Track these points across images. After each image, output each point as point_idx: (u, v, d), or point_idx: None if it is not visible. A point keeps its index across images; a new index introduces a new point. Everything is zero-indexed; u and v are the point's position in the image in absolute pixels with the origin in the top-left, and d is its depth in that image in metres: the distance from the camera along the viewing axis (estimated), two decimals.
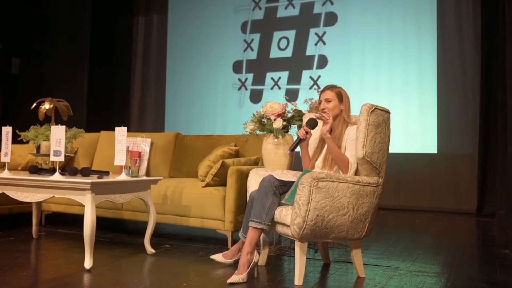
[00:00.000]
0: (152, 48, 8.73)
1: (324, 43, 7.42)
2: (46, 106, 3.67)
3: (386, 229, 5.05)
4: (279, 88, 7.63)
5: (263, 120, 3.78)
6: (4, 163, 3.42)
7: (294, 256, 2.87)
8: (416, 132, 6.83)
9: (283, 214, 2.83)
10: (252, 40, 7.92)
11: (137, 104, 8.76)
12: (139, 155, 4.17)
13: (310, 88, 7.40)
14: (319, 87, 6.75)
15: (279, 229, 2.92)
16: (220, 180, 3.87)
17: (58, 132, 3.14)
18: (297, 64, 7.56)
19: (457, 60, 6.69)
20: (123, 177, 3.30)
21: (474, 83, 6.54)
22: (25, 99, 6.81)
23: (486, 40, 6.33)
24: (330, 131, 3.08)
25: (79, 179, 3.08)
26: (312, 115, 3.23)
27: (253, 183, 3.19)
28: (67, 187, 3.08)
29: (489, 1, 6.30)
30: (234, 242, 3.46)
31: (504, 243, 4.39)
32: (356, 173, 2.99)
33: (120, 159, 3.25)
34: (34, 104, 3.75)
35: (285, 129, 3.71)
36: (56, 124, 3.23)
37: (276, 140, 3.69)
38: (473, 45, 6.58)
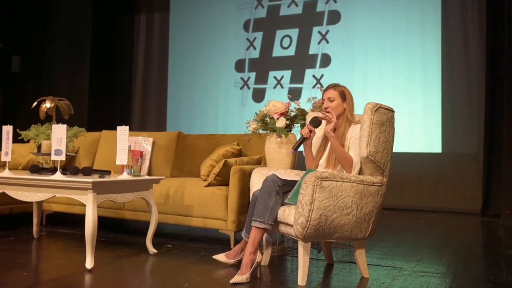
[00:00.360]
0: (153, 46, 8.72)
1: (327, 42, 7.39)
2: (47, 105, 3.64)
3: (390, 229, 5.01)
4: (282, 87, 7.60)
5: (266, 119, 3.75)
6: (5, 162, 3.40)
7: (297, 256, 2.84)
8: (420, 132, 6.80)
9: (286, 213, 2.80)
10: (255, 38, 7.89)
11: (139, 103, 8.74)
12: (141, 154, 4.13)
13: (313, 87, 7.37)
14: (322, 86, 6.72)
15: (282, 229, 2.89)
16: (222, 179, 3.84)
17: (59, 131, 3.12)
18: (300, 63, 7.53)
19: (462, 59, 6.65)
20: (124, 176, 3.28)
21: (479, 82, 6.49)
22: (25, 98, 6.82)
23: (491, 38, 6.30)
24: (334, 130, 3.05)
25: (80, 178, 3.06)
26: (316, 114, 3.20)
27: (256, 183, 3.17)
28: (68, 186, 3.05)
29: (494, 0, 6.25)
30: (236, 242, 3.44)
31: (509, 243, 4.36)
32: (360, 172, 2.96)
33: (121, 158, 3.22)
34: (35, 103, 3.73)
35: (288, 128, 3.68)
36: (57, 123, 3.20)
37: (279, 139, 3.66)
38: (478, 44, 6.53)
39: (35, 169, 3.42)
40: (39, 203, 3.99)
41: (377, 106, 2.86)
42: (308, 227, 2.68)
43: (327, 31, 7.40)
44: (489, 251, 4.08)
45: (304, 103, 3.84)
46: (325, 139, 3.19)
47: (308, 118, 3.35)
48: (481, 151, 6.35)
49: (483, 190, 6.26)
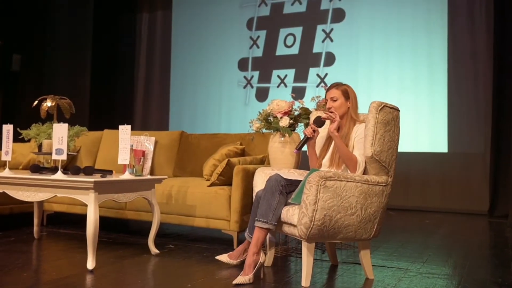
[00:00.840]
0: (156, 45, 8.69)
1: (332, 40, 7.34)
2: (48, 103, 3.62)
3: (395, 230, 4.97)
4: (286, 86, 7.56)
5: (269, 118, 3.71)
6: (5, 162, 3.37)
7: (301, 257, 2.81)
8: (426, 131, 6.73)
9: (290, 213, 2.76)
10: (258, 37, 7.85)
11: (141, 102, 8.72)
12: (143, 153, 4.12)
13: (317, 86, 7.33)
14: (326, 85, 6.67)
15: (286, 229, 2.85)
16: (225, 179, 3.80)
17: (60, 130, 3.09)
18: (304, 61, 7.49)
19: (469, 57, 6.57)
20: (126, 176, 3.25)
21: (486, 80, 6.42)
22: (26, 97, 6.79)
23: (499, 36, 6.22)
24: (338, 129, 3.01)
25: (81, 178, 3.03)
26: (320, 114, 3.17)
27: (259, 182, 3.13)
28: (69, 186, 3.02)
29: None
30: (239, 242, 3.40)
31: None
32: (365, 172, 2.92)
33: (123, 157, 3.20)
34: (36, 102, 3.71)
35: (292, 127, 3.64)
36: (58, 122, 3.17)
37: (282, 138, 3.62)
38: (486, 42, 6.46)
39: (36, 168, 3.40)
40: (40, 203, 3.97)
41: (382, 105, 2.81)
42: (312, 227, 2.64)
43: (332, 29, 7.35)
44: (497, 252, 4.03)
45: (308, 102, 3.80)
46: (329, 139, 3.15)
47: (312, 117, 3.31)
48: (488, 151, 6.28)
49: (490, 191, 6.19)
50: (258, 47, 7.84)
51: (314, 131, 3.05)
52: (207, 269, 3.09)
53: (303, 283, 2.68)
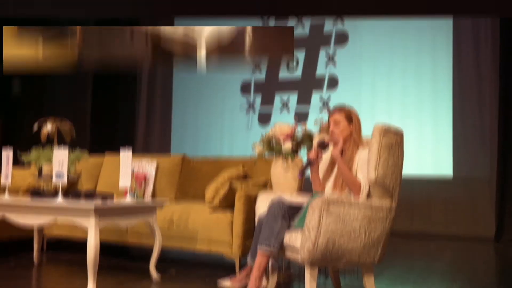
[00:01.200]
0: (158, 67, 8.66)
1: (335, 64, 7.35)
2: (48, 126, 3.61)
3: (399, 255, 4.90)
4: (288, 110, 7.54)
5: (272, 142, 3.68)
6: (5, 186, 3.35)
7: (304, 282, 2.75)
8: (430, 154, 6.67)
9: (293, 238, 2.73)
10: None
11: (143, 125, 8.66)
12: (145, 178, 4.09)
13: (320, 109, 7.30)
14: (329, 109, 6.65)
15: (289, 254, 2.81)
16: (227, 203, 3.77)
17: (60, 155, 3.07)
18: (307, 85, 7.48)
19: (474, 80, 6.52)
20: (128, 200, 3.22)
21: (491, 103, 6.36)
22: (26, 120, 6.75)
23: (504, 59, 6.21)
24: (341, 153, 2.98)
25: (82, 202, 3.00)
26: (323, 137, 3.15)
27: (262, 207, 3.10)
28: (70, 210, 2.99)
29: (508, 19, 6.18)
30: (242, 267, 3.35)
31: None
32: (368, 196, 2.88)
33: (125, 181, 3.17)
34: (36, 124, 3.70)
35: (295, 150, 3.60)
36: (59, 145, 3.16)
37: (285, 164, 3.58)
38: (491, 64, 6.40)
39: (36, 193, 3.37)
40: (40, 228, 3.93)
41: (386, 129, 2.79)
42: (315, 252, 2.59)
43: (335, 53, 7.36)
44: (503, 279, 3.96)
45: (311, 126, 3.77)
46: (332, 162, 3.12)
47: (315, 140, 3.29)
48: (494, 175, 6.19)
49: (496, 215, 6.09)
50: (260, 70, 7.85)
51: (317, 155, 3.03)
52: None
53: None
